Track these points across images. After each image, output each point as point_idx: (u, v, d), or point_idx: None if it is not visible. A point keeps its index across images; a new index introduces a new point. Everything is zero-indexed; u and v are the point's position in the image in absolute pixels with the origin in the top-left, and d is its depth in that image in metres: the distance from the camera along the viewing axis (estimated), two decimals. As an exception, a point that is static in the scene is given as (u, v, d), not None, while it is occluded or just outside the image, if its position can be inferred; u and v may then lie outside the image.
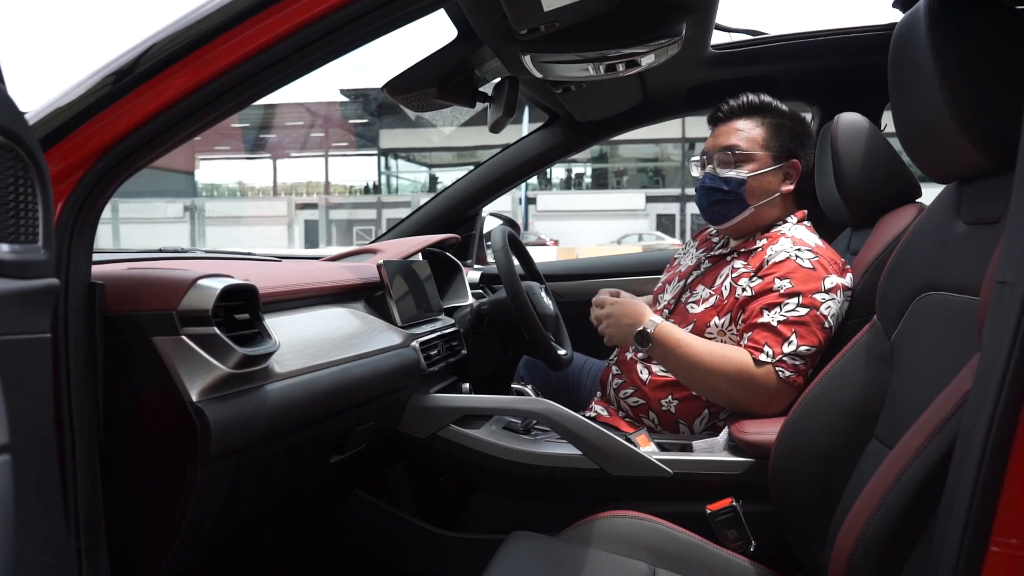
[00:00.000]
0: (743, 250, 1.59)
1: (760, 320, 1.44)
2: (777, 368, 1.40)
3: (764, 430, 1.33)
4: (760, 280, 1.48)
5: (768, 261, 1.50)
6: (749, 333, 1.45)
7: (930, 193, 1.20)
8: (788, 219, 1.60)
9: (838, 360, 1.19)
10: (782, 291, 1.44)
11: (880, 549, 0.83)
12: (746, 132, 1.60)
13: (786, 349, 1.41)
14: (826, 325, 1.42)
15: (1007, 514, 0.61)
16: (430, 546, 1.53)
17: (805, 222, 1.61)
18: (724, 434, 1.42)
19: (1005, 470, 0.61)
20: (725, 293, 1.53)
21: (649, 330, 1.49)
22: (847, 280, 1.47)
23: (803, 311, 1.42)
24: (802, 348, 1.41)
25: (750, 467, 1.34)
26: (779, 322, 1.42)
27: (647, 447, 1.41)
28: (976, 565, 0.62)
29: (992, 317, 0.66)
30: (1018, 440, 0.61)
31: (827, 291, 1.43)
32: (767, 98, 1.63)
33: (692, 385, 1.51)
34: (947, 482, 0.69)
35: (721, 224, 1.63)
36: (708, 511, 1.27)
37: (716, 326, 1.51)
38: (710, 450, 1.41)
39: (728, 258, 1.61)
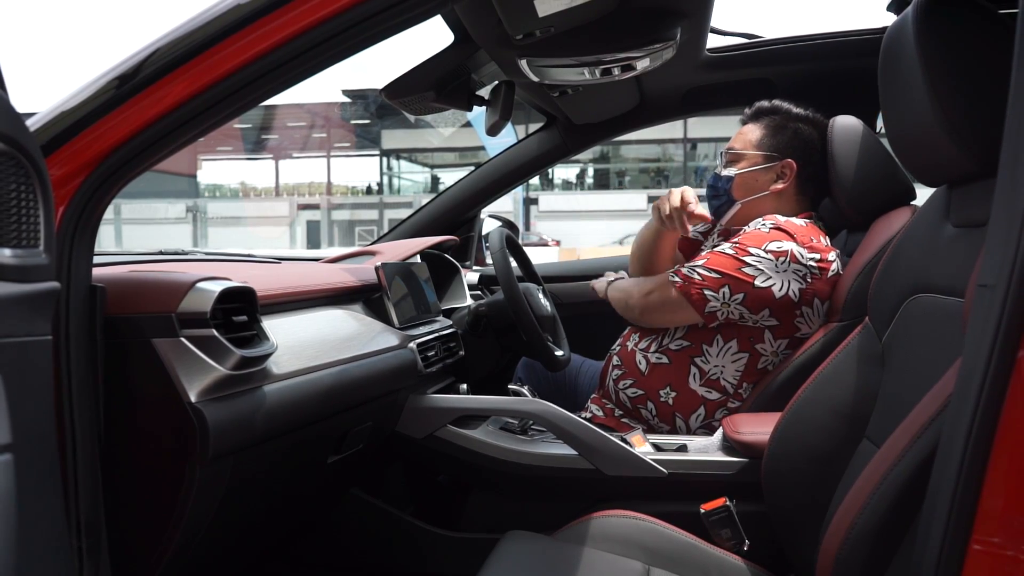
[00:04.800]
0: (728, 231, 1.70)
1: None
2: (673, 278, 1.53)
3: (758, 430, 1.34)
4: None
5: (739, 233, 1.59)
6: None
7: (925, 196, 1.21)
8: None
9: (830, 361, 1.20)
10: (727, 240, 1.55)
11: (866, 548, 0.84)
12: (745, 135, 1.67)
13: (689, 263, 1.53)
14: (745, 270, 1.47)
15: (987, 513, 0.62)
16: (426, 545, 1.54)
17: (808, 221, 1.57)
18: (718, 434, 1.43)
19: (985, 470, 0.62)
20: None
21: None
22: (808, 255, 1.47)
23: (729, 250, 1.50)
24: (700, 263, 1.51)
25: (744, 467, 1.35)
26: (705, 250, 1.57)
27: (642, 447, 1.42)
28: (957, 563, 0.63)
29: (973, 319, 0.67)
30: (998, 441, 0.62)
31: (767, 251, 1.47)
32: (779, 102, 1.67)
33: (622, 300, 1.69)
34: (930, 482, 0.70)
35: (719, 220, 1.71)
36: (702, 511, 1.28)
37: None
38: (704, 450, 1.42)
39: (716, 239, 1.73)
